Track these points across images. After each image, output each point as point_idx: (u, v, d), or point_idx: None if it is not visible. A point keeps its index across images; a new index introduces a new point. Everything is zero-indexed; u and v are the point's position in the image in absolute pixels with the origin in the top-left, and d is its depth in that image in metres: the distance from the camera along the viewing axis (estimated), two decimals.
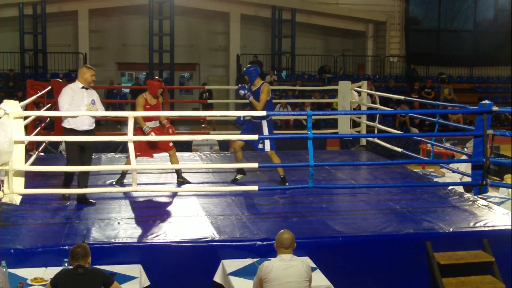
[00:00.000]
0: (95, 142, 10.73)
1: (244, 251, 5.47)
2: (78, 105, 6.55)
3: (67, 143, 6.75)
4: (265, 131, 7.50)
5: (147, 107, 7.51)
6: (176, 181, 7.77)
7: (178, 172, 7.82)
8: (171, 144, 7.65)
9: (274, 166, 7.85)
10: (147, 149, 7.57)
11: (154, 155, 8.00)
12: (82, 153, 6.64)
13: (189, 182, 7.75)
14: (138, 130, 7.55)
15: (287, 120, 16.74)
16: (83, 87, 6.64)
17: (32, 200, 6.55)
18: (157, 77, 7.78)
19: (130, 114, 5.93)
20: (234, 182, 7.80)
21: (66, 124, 6.61)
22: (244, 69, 7.68)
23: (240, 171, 7.90)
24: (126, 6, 20.93)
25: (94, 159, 9.41)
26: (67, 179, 6.82)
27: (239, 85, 7.61)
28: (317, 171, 7.94)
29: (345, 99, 11.04)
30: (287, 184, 7.63)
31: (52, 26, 20.53)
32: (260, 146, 7.60)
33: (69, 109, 6.49)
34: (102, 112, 6.91)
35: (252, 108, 7.60)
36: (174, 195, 7.17)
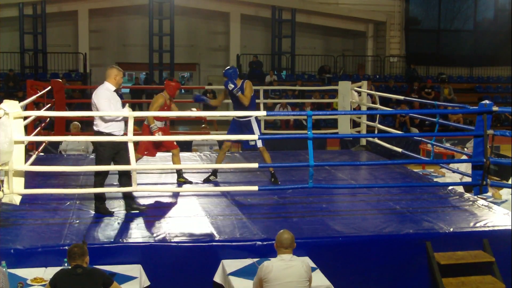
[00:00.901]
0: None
1: (244, 251, 5.47)
2: (117, 109, 6.20)
3: (104, 149, 6.21)
4: (255, 128, 7.60)
5: (165, 108, 7.55)
6: (176, 181, 7.76)
7: (179, 172, 7.82)
8: (175, 143, 7.68)
9: (275, 166, 7.87)
10: (153, 148, 7.63)
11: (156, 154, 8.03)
12: (116, 156, 6.29)
13: (190, 182, 7.76)
14: (146, 129, 7.58)
15: (287, 120, 16.73)
16: (115, 90, 6.32)
17: (32, 200, 6.55)
18: (175, 78, 7.82)
19: (130, 114, 5.93)
20: (207, 181, 7.85)
21: (104, 128, 6.15)
22: (223, 71, 7.70)
23: (214, 172, 7.95)
24: (126, 6, 20.94)
25: (94, 159, 9.44)
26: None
27: (226, 80, 7.62)
28: (317, 171, 7.94)
29: (345, 99, 11.04)
30: (278, 181, 7.72)
31: (52, 26, 20.54)
32: (252, 143, 7.64)
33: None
34: (124, 112, 6.32)
35: (236, 105, 7.69)
36: (174, 195, 7.17)
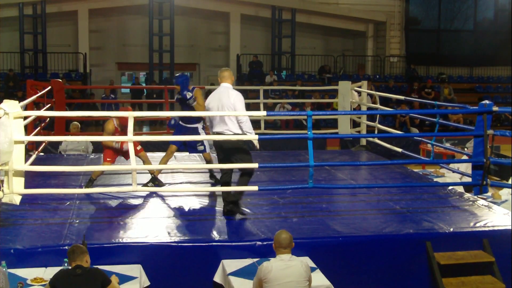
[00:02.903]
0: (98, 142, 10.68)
1: (244, 251, 5.47)
2: None
3: (246, 147, 6.39)
4: (202, 133, 7.46)
5: (116, 134, 7.23)
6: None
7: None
8: (139, 147, 7.39)
9: (274, 166, 7.88)
10: (117, 155, 7.47)
11: (154, 155, 7.97)
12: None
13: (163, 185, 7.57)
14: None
15: (287, 120, 16.73)
16: None
17: (32, 200, 6.55)
18: (130, 107, 7.46)
19: (130, 114, 5.93)
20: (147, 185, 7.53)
21: (248, 129, 6.27)
22: (174, 80, 7.45)
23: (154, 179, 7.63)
24: (126, 6, 20.94)
25: (94, 159, 9.46)
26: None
27: (184, 92, 7.29)
28: (317, 171, 7.94)
29: (345, 99, 11.04)
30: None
31: (52, 26, 20.54)
32: (201, 148, 7.47)
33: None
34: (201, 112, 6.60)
35: (185, 110, 7.45)
36: (174, 195, 7.17)
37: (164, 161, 7.58)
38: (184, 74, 7.64)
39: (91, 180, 7.37)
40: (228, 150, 6.31)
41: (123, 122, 7.16)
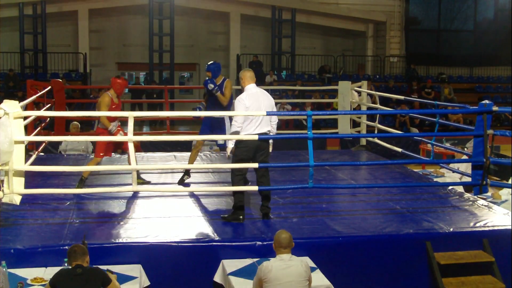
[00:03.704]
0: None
1: (244, 251, 5.48)
2: None
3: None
4: (229, 126, 7.30)
5: (113, 106, 7.19)
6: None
7: (137, 173, 7.44)
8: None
9: (274, 166, 7.84)
10: (110, 149, 7.37)
11: (154, 155, 7.96)
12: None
13: (149, 183, 7.58)
14: (101, 131, 7.29)
15: (287, 120, 16.72)
16: None
17: (32, 200, 6.55)
18: (122, 76, 7.35)
19: (130, 114, 5.94)
20: (182, 183, 7.61)
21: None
22: (206, 66, 7.37)
23: (187, 172, 7.76)
24: (126, 6, 20.95)
25: (94, 159, 9.45)
26: None
27: (206, 79, 7.26)
28: (317, 171, 7.94)
29: (345, 99, 11.04)
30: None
31: (52, 26, 20.54)
32: (221, 142, 7.35)
33: None
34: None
35: (212, 104, 7.41)
36: (174, 195, 7.17)
37: (193, 158, 7.72)
38: (215, 62, 7.46)
39: (82, 180, 7.26)
40: (266, 151, 6.36)
41: (118, 92, 7.21)
